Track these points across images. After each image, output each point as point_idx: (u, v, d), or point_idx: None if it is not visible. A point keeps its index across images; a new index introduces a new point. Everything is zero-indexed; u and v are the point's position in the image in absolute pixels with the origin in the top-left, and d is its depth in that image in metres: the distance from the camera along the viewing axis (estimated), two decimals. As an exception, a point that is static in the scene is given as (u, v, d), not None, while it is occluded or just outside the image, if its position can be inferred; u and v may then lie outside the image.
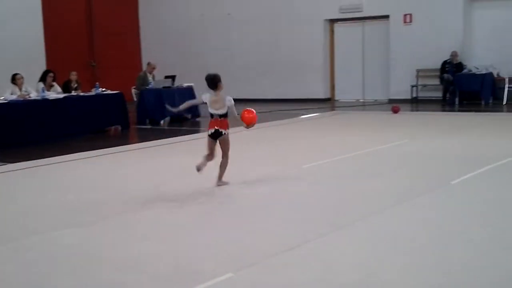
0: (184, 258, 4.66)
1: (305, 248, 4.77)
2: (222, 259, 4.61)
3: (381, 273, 4.21)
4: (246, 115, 7.46)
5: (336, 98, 20.26)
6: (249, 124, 7.47)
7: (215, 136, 7.31)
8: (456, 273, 4.15)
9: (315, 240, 4.95)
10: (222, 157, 7.40)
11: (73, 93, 13.62)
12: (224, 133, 7.29)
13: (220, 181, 7.42)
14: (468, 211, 5.77)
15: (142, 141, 11.77)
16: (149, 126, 14.46)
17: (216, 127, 7.27)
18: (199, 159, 7.29)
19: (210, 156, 7.39)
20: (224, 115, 7.30)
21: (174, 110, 7.98)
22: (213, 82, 7.34)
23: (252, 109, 7.55)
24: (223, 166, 7.40)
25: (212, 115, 7.35)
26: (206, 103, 7.39)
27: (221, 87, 7.34)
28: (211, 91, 7.35)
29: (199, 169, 7.27)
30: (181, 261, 4.61)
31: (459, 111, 15.68)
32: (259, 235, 5.22)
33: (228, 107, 7.27)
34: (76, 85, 14.20)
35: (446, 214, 5.69)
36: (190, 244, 5.03)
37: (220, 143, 7.36)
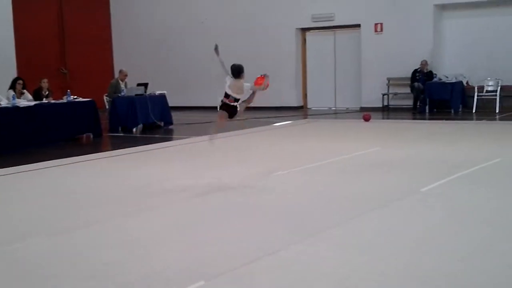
0: (155, 266, 4.66)
1: (277, 256, 4.79)
2: (195, 266, 4.61)
3: (354, 281, 4.25)
4: (258, 81, 8.20)
5: (309, 106, 20.39)
6: (263, 85, 8.17)
7: (231, 115, 8.05)
8: (430, 280, 4.21)
9: (287, 248, 4.98)
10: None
11: (44, 100, 13.52)
12: (238, 109, 8.06)
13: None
14: (438, 218, 5.85)
15: (115, 149, 11.73)
16: (121, 134, 14.41)
17: (232, 103, 7.97)
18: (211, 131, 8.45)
19: (221, 122, 8.28)
20: (238, 100, 8.02)
21: (218, 55, 8.48)
22: (238, 71, 8.06)
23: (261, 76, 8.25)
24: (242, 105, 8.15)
25: (228, 95, 8.02)
26: (226, 82, 8.07)
27: (243, 77, 8.05)
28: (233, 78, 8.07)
29: (212, 138, 8.38)
30: (152, 268, 4.60)
31: (429, 119, 15.87)
32: (234, 241, 5.23)
33: (245, 90, 8.04)
34: (47, 93, 14.10)
35: (416, 221, 5.76)
36: (164, 251, 5.02)
37: (239, 112, 8.12)
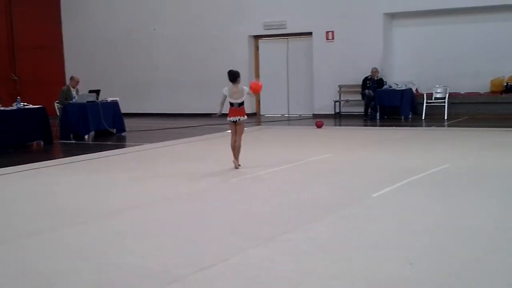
0: (107, 273, 4.63)
1: (230, 262, 4.82)
2: (148, 273, 4.60)
3: (306, 286, 4.30)
4: (253, 86, 9.40)
5: (262, 113, 20.47)
6: (255, 91, 9.44)
7: (235, 121, 9.18)
8: (380, 284, 4.29)
9: (240, 254, 5.01)
10: (236, 140, 9.21)
11: (-7, 107, 13.28)
12: (241, 119, 9.19)
13: (236, 161, 9.21)
14: (389, 223, 5.95)
15: (66, 156, 11.58)
16: (73, 141, 14.23)
17: (237, 117, 9.16)
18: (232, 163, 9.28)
19: (233, 137, 9.27)
20: (242, 104, 9.18)
21: (218, 113, 9.60)
22: (234, 76, 9.19)
23: (257, 81, 9.78)
24: (237, 149, 9.21)
25: (232, 104, 9.18)
26: (225, 93, 9.21)
27: (239, 81, 9.19)
28: (230, 84, 9.16)
29: (236, 167, 9.14)
30: (104, 276, 4.58)
31: (380, 126, 16.10)
32: (188, 248, 5.23)
33: (245, 93, 9.15)
34: (-5, 99, 13.84)
35: (368, 226, 5.85)
36: (116, 259, 4.99)
37: (237, 126, 9.23)
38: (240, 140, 9.29)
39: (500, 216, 6.14)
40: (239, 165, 9.25)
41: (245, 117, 9.37)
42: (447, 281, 4.29)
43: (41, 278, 4.61)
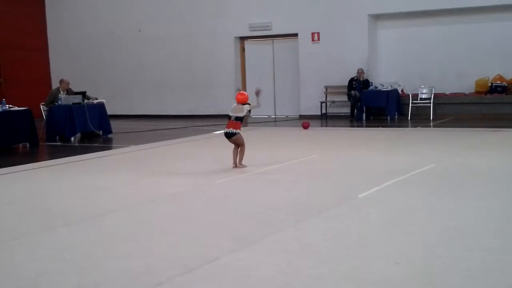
0: (92, 276, 4.63)
1: (216, 264, 4.82)
2: (134, 275, 4.60)
3: (294, 287, 4.32)
4: (239, 97, 9.61)
5: (249, 114, 20.48)
6: (242, 102, 9.53)
7: (229, 136, 9.38)
8: (368, 284, 4.31)
9: (226, 256, 5.01)
10: (240, 147, 9.46)
11: (-22, 110, 13.19)
12: (236, 133, 9.35)
13: (240, 164, 9.44)
14: (376, 223, 5.98)
15: (52, 158, 11.53)
16: (59, 143, 14.18)
17: (229, 128, 9.36)
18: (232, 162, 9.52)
19: (235, 147, 9.49)
20: (239, 119, 9.44)
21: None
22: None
23: (243, 92, 9.84)
24: (241, 152, 9.45)
25: (229, 117, 9.50)
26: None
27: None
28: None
29: (235, 166, 9.40)
30: (89, 278, 4.57)
31: (366, 126, 16.16)
32: (174, 250, 5.23)
33: (245, 110, 9.52)
34: (-21, 102, 13.75)
35: (354, 226, 5.88)
36: (102, 261, 4.98)
37: (234, 140, 9.40)
38: (242, 150, 9.47)
39: (484, 215, 6.18)
40: (242, 165, 9.48)
41: (238, 131, 9.38)
42: (432, 281, 4.33)
43: (27, 280, 4.59)
